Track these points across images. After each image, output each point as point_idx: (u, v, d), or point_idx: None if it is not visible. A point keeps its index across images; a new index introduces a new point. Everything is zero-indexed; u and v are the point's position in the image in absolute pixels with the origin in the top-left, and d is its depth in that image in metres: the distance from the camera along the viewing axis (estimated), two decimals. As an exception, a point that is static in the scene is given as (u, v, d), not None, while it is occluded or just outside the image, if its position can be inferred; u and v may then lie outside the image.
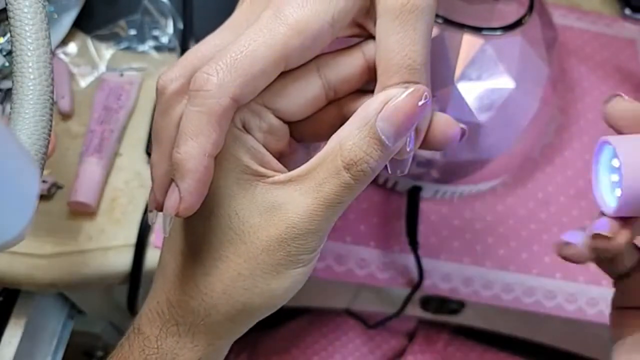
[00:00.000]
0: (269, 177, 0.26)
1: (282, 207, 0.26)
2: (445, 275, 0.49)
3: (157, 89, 0.28)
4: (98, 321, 0.55)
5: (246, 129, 0.27)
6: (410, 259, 0.48)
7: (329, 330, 0.59)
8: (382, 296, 0.54)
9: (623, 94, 0.26)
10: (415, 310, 0.54)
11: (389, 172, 0.27)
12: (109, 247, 0.44)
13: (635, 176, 0.26)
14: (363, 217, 0.49)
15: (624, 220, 0.28)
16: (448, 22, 0.41)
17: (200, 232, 0.27)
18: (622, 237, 0.27)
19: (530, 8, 0.44)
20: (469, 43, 0.41)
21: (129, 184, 0.46)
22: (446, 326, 0.60)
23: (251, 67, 0.25)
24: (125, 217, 0.45)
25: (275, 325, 0.61)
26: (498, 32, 0.42)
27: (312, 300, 0.57)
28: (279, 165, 0.28)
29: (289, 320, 0.61)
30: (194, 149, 0.25)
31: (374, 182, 0.51)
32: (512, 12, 0.43)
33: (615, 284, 0.31)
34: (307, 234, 0.26)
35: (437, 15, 0.41)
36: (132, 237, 0.44)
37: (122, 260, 0.43)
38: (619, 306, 0.31)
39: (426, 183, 0.48)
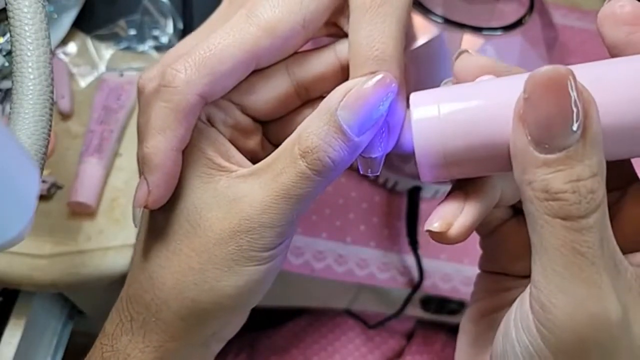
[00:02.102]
0: (232, 171, 0.26)
1: (240, 200, 0.25)
2: (445, 275, 0.49)
3: (137, 88, 0.28)
4: (98, 321, 0.55)
5: (211, 122, 0.27)
6: (410, 259, 0.48)
7: (328, 331, 0.59)
8: (382, 296, 0.53)
9: (470, 50, 0.24)
10: (415, 311, 0.54)
11: (360, 171, 0.26)
12: (108, 247, 0.44)
13: (425, 130, 0.22)
14: (363, 217, 0.49)
15: (461, 189, 0.24)
16: (448, 22, 0.41)
17: (160, 224, 0.27)
18: (458, 227, 0.23)
19: (531, 8, 0.44)
20: (469, 43, 0.41)
21: (129, 184, 0.46)
22: (444, 326, 0.60)
23: (219, 65, 0.25)
24: (125, 217, 0.45)
25: (275, 325, 0.61)
26: (498, 32, 0.42)
27: (312, 300, 0.57)
28: (244, 160, 0.27)
29: (288, 320, 0.61)
30: (160, 143, 0.25)
31: (374, 182, 0.51)
32: (513, 12, 0.43)
33: (481, 244, 0.29)
34: (261, 227, 0.25)
35: (437, 15, 0.41)
36: (131, 237, 0.44)
37: (122, 261, 0.43)
38: (482, 269, 0.29)
39: (426, 183, 0.48)
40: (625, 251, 0.21)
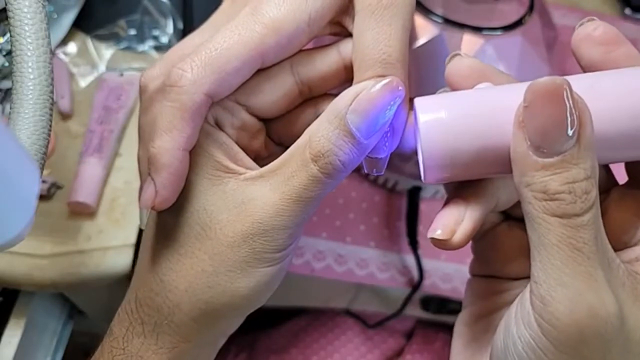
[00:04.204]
0: (241, 173, 0.26)
1: (251, 203, 0.25)
2: (445, 275, 0.49)
3: (139, 87, 0.28)
4: (98, 321, 0.55)
5: (218, 125, 0.27)
6: (410, 259, 0.48)
7: (327, 330, 0.59)
8: (382, 296, 0.53)
9: (461, 53, 0.25)
10: (415, 311, 0.54)
11: (365, 170, 0.27)
12: (108, 247, 0.44)
13: (432, 132, 0.23)
14: (363, 217, 0.49)
15: (460, 196, 0.25)
16: (448, 22, 0.41)
17: (169, 227, 0.27)
18: (461, 234, 0.24)
19: (531, 8, 0.44)
20: (469, 43, 0.41)
21: (128, 184, 0.46)
22: (444, 326, 0.60)
23: (226, 64, 0.25)
24: (125, 217, 0.45)
25: (275, 324, 0.61)
26: (498, 32, 0.42)
27: (312, 300, 0.57)
28: (252, 163, 0.28)
29: (288, 320, 0.61)
30: (167, 143, 0.25)
31: (374, 182, 0.51)
32: (513, 12, 0.43)
33: (473, 248, 0.30)
34: (273, 230, 0.25)
35: (437, 15, 0.41)
36: (131, 237, 0.44)
37: (122, 261, 0.43)
38: (474, 273, 0.30)
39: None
40: (614, 249, 0.22)
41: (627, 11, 0.65)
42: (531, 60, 0.44)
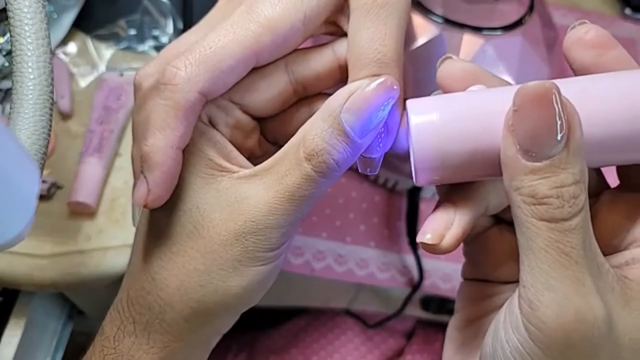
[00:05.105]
0: (234, 172, 0.26)
1: (244, 201, 0.25)
2: (445, 275, 0.49)
3: (134, 85, 0.28)
4: (98, 321, 0.55)
5: (212, 123, 0.27)
6: (410, 259, 0.48)
7: (327, 330, 0.59)
8: (382, 296, 0.53)
9: (453, 56, 0.25)
10: (415, 311, 0.54)
11: (359, 169, 0.26)
12: (108, 247, 0.44)
13: (424, 134, 0.23)
14: (363, 217, 0.49)
15: (450, 200, 0.25)
16: (448, 22, 0.41)
17: (162, 225, 0.27)
18: (450, 238, 0.24)
19: (531, 8, 0.44)
20: (469, 43, 0.41)
21: (128, 184, 0.46)
22: (444, 326, 0.60)
23: (220, 62, 0.25)
24: (125, 217, 0.45)
25: (275, 324, 0.61)
26: (498, 32, 0.42)
27: (312, 300, 0.57)
28: (246, 162, 0.28)
29: (288, 320, 0.61)
30: (160, 142, 0.25)
31: (374, 182, 0.51)
32: (513, 12, 0.43)
33: (465, 251, 0.29)
34: (266, 228, 0.25)
35: (437, 15, 0.41)
36: (131, 237, 0.44)
37: (122, 261, 0.43)
38: (465, 277, 0.30)
39: (426, 183, 0.48)
40: (604, 254, 0.22)
41: (627, 11, 0.65)
42: (531, 61, 0.44)
